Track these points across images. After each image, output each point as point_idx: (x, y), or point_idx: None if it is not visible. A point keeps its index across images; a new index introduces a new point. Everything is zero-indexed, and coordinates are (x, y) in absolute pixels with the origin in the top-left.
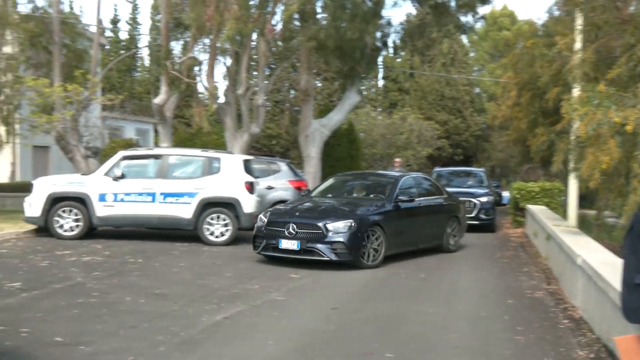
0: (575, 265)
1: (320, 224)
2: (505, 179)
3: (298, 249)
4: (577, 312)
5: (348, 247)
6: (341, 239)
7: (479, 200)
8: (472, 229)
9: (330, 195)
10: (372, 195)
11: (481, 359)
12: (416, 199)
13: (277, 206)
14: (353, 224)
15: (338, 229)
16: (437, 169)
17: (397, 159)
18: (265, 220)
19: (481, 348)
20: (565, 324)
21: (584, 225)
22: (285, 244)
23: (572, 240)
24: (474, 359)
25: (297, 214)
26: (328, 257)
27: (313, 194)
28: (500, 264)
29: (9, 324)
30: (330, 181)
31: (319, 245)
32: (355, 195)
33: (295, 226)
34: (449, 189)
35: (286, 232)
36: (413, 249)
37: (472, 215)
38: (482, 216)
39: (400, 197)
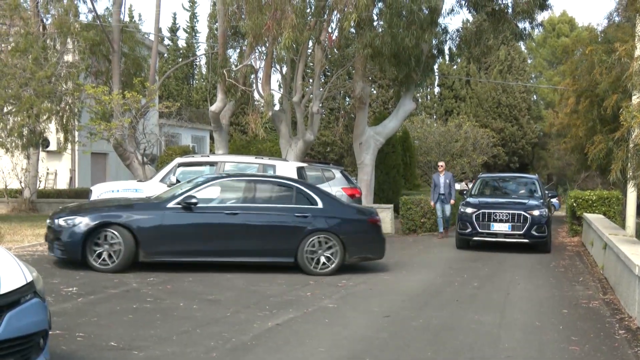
0: (632, 275)
1: (55, 221)
2: (562, 187)
3: (49, 245)
4: (634, 322)
5: (65, 245)
6: (62, 237)
7: (529, 214)
8: (522, 248)
9: (164, 195)
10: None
11: None
12: (234, 205)
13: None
14: (77, 222)
15: (67, 226)
16: (483, 175)
17: (441, 163)
18: None
19: (535, 358)
20: (621, 335)
21: None
22: (48, 237)
23: (629, 250)
24: None
25: (69, 209)
26: (54, 254)
27: (155, 195)
28: (556, 273)
29: (65, 328)
30: (195, 180)
31: (54, 242)
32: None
33: (57, 221)
34: (494, 200)
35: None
36: (219, 260)
37: (521, 232)
38: (535, 233)
39: (187, 200)
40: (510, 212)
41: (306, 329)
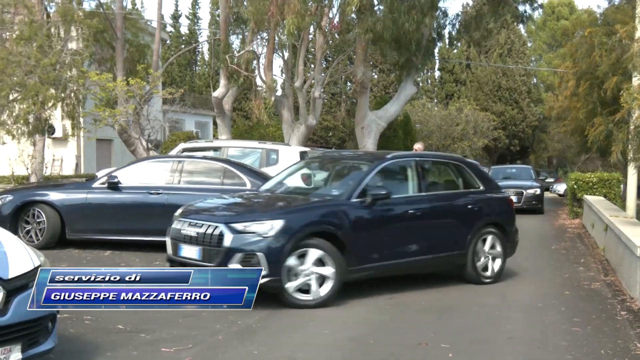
0: (633, 257)
1: None
2: (562, 169)
3: None
4: (636, 303)
5: None
6: None
7: None
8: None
9: None
10: None
11: (537, 350)
12: (158, 185)
13: None
14: (7, 201)
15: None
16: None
17: (417, 146)
18: None
19: (537, 339)
20: (623, 316)
21: None
22: None
23: (630, 231)
24: (530, 350)
25: (10, 189)
26: None
27: None
28: (557, 255)
29: (72, 312)
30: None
31: None
32: None
33: None
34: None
35: None
36: (144, 240)
37: None
38: None
39: (109, 180)
40: None
41: (310, 311)
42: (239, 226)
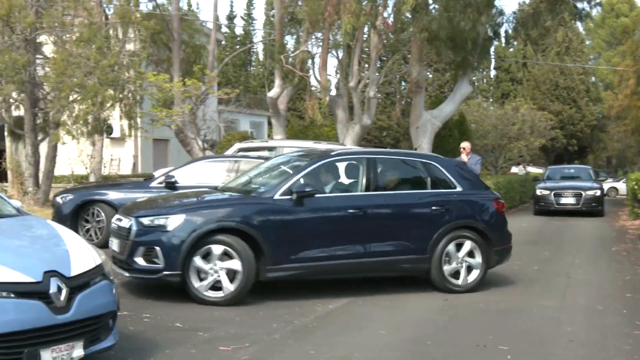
0: None
1: (55, 198)
2: (622, 169)
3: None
4: None
5: (59, 222)
6: (57, 214)
7: None
8: None
9: None
10: None
11: (598, 353)
12: (214, 185)
13: None
14: (67, 200)
15: (61, 203)
16: None
17: (464, 145)
18: None
19: (598, 342)
20: None
21: None
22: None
23: None
24: (590, 353)
25: (70, 189)
26: None
27: None
28: (618, 256)
29: (132, 309)
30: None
31: (54, 218)
32: None
33: (56, 199)
34: None
35: None
36: None
37: None
38: None
39: (167, 180)
40: None
41: (367, 311)
42: (145, 220)
